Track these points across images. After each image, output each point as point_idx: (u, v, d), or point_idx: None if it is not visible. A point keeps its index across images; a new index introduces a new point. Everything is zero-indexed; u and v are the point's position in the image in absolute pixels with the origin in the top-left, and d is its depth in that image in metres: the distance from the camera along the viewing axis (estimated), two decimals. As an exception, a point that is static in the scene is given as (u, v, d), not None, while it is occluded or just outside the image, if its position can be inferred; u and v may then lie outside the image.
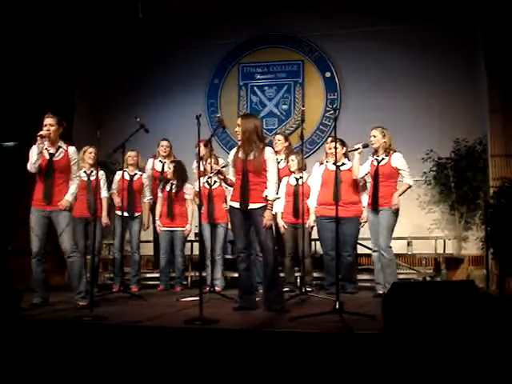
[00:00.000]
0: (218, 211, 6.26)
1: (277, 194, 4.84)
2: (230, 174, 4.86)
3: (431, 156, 7.45)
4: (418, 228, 7.56)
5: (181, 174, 6.49)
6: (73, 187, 4.98)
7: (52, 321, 4.17)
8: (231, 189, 6.37)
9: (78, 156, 5.17)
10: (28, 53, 7.82)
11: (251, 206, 4.65)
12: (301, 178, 5.99)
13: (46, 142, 4.91)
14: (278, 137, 6.59)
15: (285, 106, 8.51)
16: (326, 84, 8.37)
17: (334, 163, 5.89)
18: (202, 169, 6.10)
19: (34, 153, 4.86)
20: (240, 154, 4.73)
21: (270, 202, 4.64)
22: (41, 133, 4.85)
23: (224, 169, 4.94)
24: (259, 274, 5.91)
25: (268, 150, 4.71)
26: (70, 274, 4.92)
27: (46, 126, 4.91)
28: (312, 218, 5.95)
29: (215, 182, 6.27)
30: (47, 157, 4.92)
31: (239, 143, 4.83)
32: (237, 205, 4.71)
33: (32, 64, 7.87)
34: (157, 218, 6.54)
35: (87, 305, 4.63)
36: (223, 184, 6.38)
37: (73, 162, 5.01)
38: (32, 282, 5.05)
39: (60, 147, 4.97)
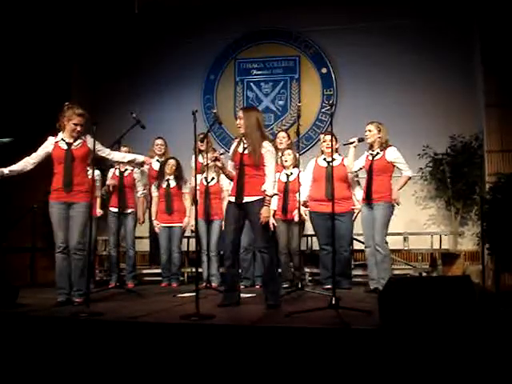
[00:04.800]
0: (214, 208, 6.26)
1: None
2: (229, 168, 4.79)
3: (427, 152, 7.46)
4: (414, 223, 7.57)
5: (179, 170, 6.52)
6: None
7: (48, 317, 4.17)
8: (228, 187, 6.46)
9: (94, 143, 4.88)
10: (24, 46, 7.80)
11: (246, 199, 4.58)
12: (291, 174, 6.00)
13: (62, 134, 4.90)
14: (283, 134, 6.53)
15: (281, 102, 8.50)
16: (322, 80, 8.36)
17: (325, 159, 5.93)
18: (202, 162, 6.12)
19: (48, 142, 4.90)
20: (239, 148, 4.69)
21: (267, 198, 4.54)
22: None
23: (222, 156, 4.82)
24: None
25: (266, 145, 4.62)
26: (73, 269, 4.85)
27: (79, 124, 4.86)
28: (301, 210, 5.79)
29: (213, 178, 6.26)
30: (64, 147, 4.86)
31: (240, 137, 4.76)
32: (233, 199, 4.67)
33: (28, 58, 7.85)
34: (153, 218, 6.53)
35: (83, 301, 4.64)
36: (220, 180, 6.37)
37: (93, 149, 4.87)
38: (56, 279, 4.89)
39: (78, 137, 4.91)
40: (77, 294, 4.84)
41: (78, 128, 4.87)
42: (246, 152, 4.61)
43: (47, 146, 4.90)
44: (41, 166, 5.04)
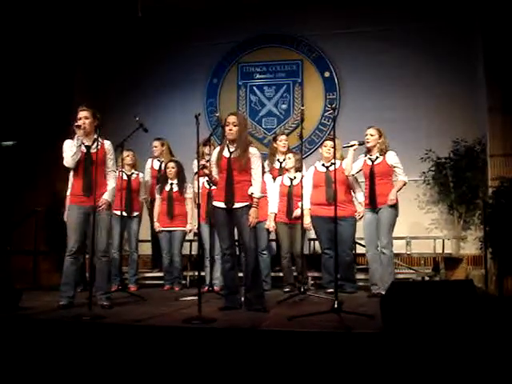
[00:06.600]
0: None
1: (262, 192, 4.81)
2: (214, 173, 4.85)
3: (430, 156, 7.45)
4: (417, 228, 7.56)
5: (181, 173, 6.52)
6: (111, 184, 4.85)
7: (51, 320, 4.17)
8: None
9: (113, 150, 4.98)
10: (27, 49, 7.83)
11: (236, 205, 4.65)
12: (295, 178, 6.01)
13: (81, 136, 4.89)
14: (285, 137, 6.65)
15: (284, 106, 8.51)
16: (325, 84, 8.38)
17: (323, 164, 5.93)
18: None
19: (67, 146, 4.80)
20: (225, 153, 4.74)
21: (255, 200, 4.64)
22: (77, 123, 4.76)
23: (208, 163, 4.88)
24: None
25: (253, 150, 4.74)
26: (97, 273, 4.82)
27: (80, 119, 4.83)
28: (307, 219, 5.85)
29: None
30: (84, 150, 4.85)
31: (225, 143, 4.82)
32: (221, 204, 4.70)
33: (31, 60, 7.88)
34: (155, 220, 6.55)
35: (111, 305, 4.76)
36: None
37: (109, 155, 4.89)
38: (62, 281, 4.87)
39: (96, 140, 4.86)
40: (104, 297, 4.84)
41: (81, 121, 4.83)
42: (233, 156, 4.68)
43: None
44: (44, 170, 5.04)
